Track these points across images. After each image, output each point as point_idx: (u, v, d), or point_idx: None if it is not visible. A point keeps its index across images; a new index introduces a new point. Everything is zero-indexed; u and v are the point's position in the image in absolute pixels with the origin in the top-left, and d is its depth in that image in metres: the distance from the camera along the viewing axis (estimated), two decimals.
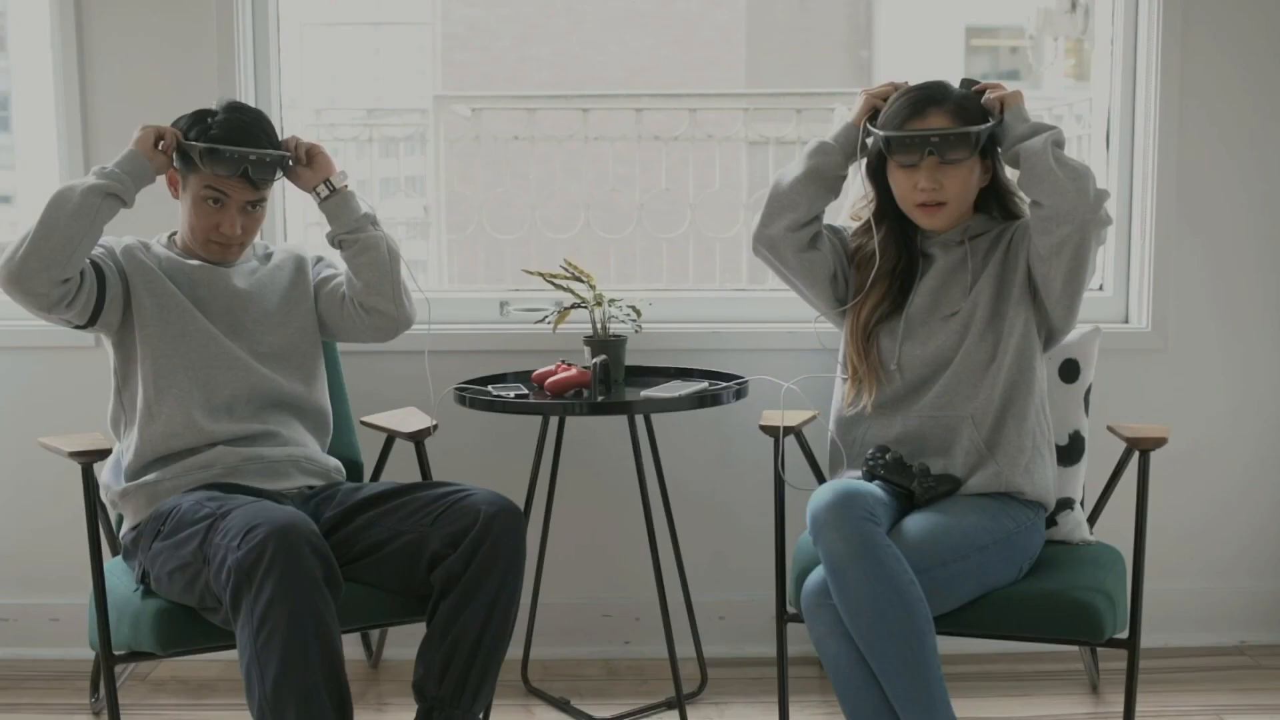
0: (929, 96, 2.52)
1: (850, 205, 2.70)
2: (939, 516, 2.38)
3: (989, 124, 2.48)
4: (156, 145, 2.50)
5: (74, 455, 2.40)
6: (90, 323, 2.49)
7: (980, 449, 2.49)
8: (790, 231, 2.59)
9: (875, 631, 2.19)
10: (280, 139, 2.59)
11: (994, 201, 2.60)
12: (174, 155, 2.51)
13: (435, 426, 2.75)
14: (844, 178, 2.63)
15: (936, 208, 2.52)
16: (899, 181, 2.54)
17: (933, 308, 2.56)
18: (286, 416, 2.60)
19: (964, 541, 2.34)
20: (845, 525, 2.23)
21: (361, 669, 3.09)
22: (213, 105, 2.55)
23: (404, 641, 2.91)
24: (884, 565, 2.20)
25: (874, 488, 2.39)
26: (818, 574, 2.31)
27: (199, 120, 2.51)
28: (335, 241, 2.62)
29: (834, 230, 2.66)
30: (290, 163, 2.59)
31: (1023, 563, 2.44)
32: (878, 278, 2.59)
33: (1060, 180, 2.40)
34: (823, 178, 2.59)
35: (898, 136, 2.49)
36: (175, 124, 2.54)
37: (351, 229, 2.60)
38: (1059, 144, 2.45)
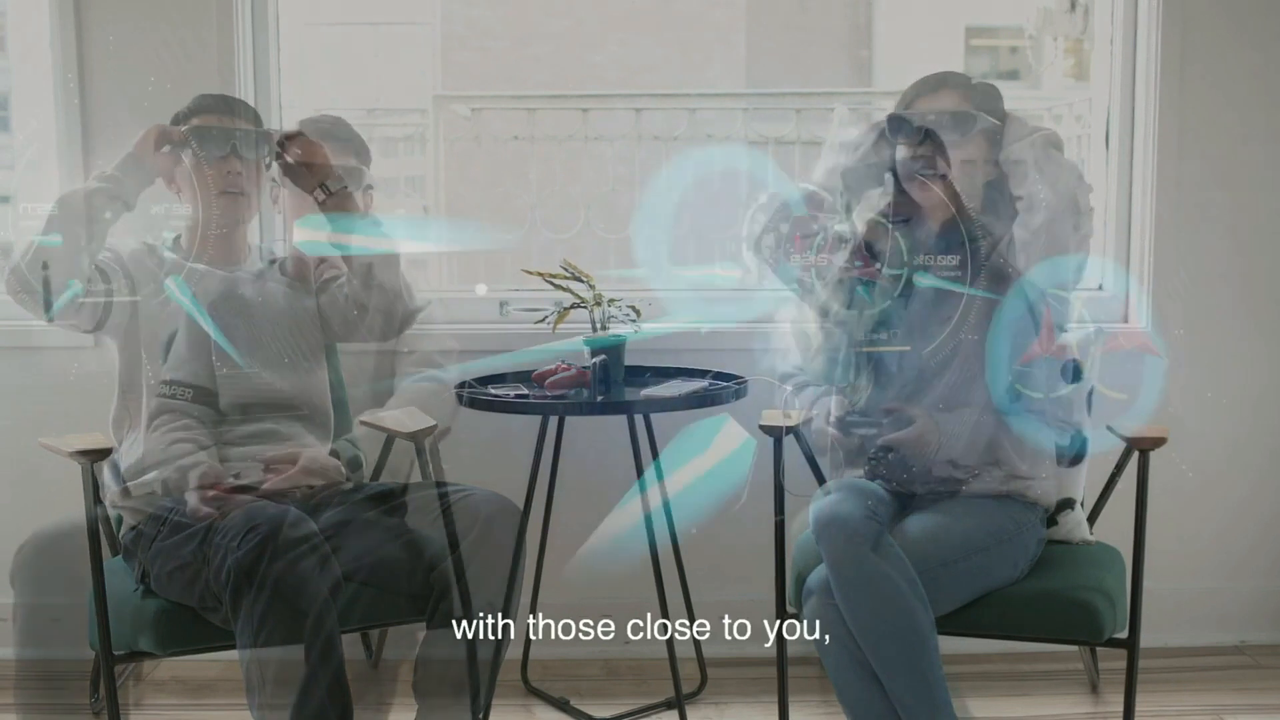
0: (942, 77, 2.54)
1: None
2: (940, 517, 2.38)
3: (994, 121, 2.48)
4: (159, 148, 2.50)
5: (74, 455, 2.40)
6: (97, 327, 2.49)
7: (981, 463, 2.48)
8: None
9: (877, 630, 2.19)
10: (279, 130, 2.62)
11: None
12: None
13: (436, 426, 2.75)
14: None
15: (932, 178, 2.50)
16: (901, 155, 2.53)
17: (928, 316, 2.54)
18: (288, 419, 2.60)
19: (964, 542, 2.34)
20: (849, 524, 2.23)
21: (361, 669, 3.09)
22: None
23: (404, 641, 2.91)
24: (887, 564, 2.20)
25: (876, 487, 2.39)
26: (819, 573, 2.31)
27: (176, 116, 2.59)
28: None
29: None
30: (279, 147, 2.59)
31: (1022, 563, 2.44)
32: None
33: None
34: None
35: (895, 118, 2.49)
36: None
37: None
38: (1054, 145, 2.44)
